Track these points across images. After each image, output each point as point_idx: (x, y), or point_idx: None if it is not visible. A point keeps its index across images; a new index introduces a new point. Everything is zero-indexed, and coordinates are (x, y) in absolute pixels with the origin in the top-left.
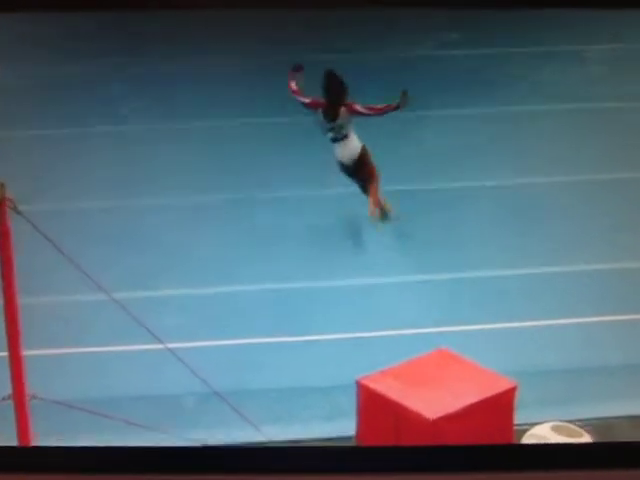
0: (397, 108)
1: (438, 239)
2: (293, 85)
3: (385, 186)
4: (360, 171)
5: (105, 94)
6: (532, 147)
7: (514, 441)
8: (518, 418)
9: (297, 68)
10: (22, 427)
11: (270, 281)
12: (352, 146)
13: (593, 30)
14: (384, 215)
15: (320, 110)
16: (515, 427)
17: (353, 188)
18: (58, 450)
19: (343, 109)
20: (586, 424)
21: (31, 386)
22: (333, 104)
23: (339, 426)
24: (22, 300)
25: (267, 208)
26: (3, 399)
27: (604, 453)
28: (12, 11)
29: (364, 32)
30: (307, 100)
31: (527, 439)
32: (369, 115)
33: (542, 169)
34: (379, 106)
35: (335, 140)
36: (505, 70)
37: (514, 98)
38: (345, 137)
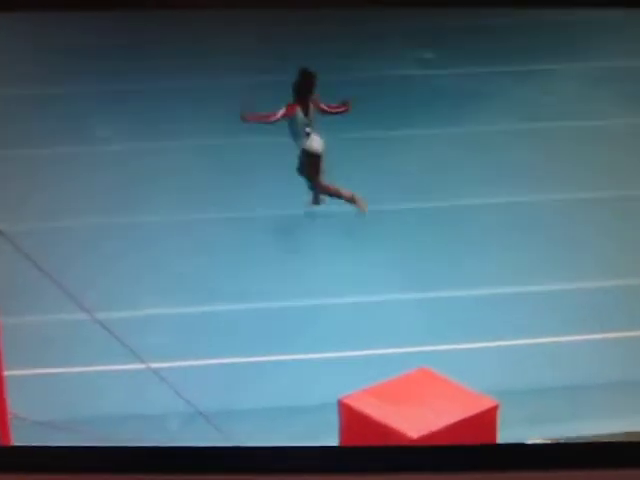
0: (345, 111)
1: (420, 257)
2: (262, 114)
3: (368, 205)
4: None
5: (88, 112)
6: (516, 165)
7: None
8: (504, 437)
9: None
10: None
11: (253, 300)
12: (320, 137)
13: (567, 49)
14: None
15: (297, 110)
16: None
17: (341, 207)
18: (58, 450)
19: (311, 104)
20: (574, 441)
21: (13, 406)
22: (305, 99)
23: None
24: (4, 320)
25: (251, 226)
26: None
27: (603, 452)
28: (12, 10)
29: (337, 51)
30: (282, 111)
31: None
32: (328, 113)
33: (528, 187)
34: (336, 107)
35: (309, 133)
36: (482, 89)
37: (493, 117)
38: (315, 129)
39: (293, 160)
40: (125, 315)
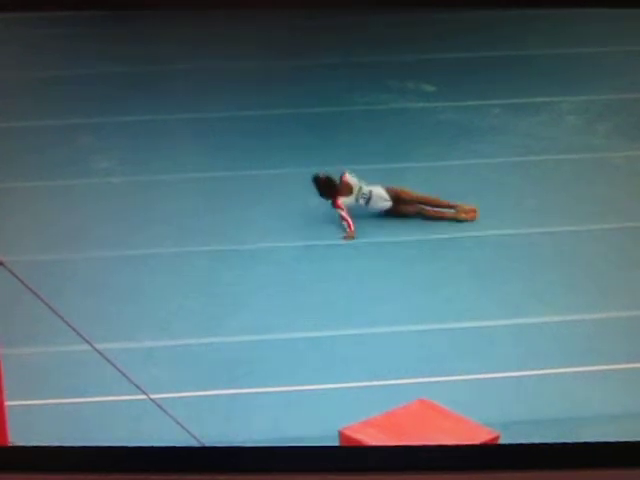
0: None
1: (419, 289)
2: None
3: (366, 238)
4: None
5: (87, 146)
6: (514, 197)
7: None
8: None
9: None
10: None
11: (252, 332)
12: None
13: (566, 82)
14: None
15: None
16: None
17: (325, 240)
18: (57, 449)
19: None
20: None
21: (13, 437)
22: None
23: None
24: (4, 351)
25: (251, 260)
26: None
27: (603, 452)
28: (12, 10)
29: (337, 84)
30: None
31: None
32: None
33: (527, 219)
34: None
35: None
36: (481, 122)
37: (492, 150)
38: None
39: (293, 191)
40: (126, 346)
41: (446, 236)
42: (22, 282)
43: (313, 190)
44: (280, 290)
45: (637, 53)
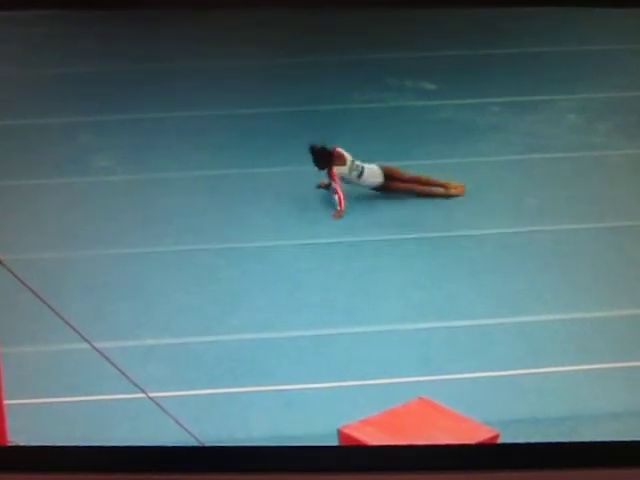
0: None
1: (419, 287)
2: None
3: (365, 236)
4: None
5: (88, 144)
6: (515, 196)
7: None
8: None
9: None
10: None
11: (251, 331)
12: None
13: (567, 80)
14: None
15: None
16: None
17: (325, 238)
18: (57, 449)
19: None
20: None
21: (12, 435)
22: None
23: None
24: (4, 350)
25: (250, 258)
26: None
27: (603, 452)
28: (12, 9)
29: (336, 82)
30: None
31: None
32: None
33: (528, 217)
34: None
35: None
36: (480, 120)
37: (492, 148)
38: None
39: (293, 189)
40: (126, 345)
41: (446, 234)
42: (21, 281)
43: (313, 188)
44: (280, 288)
45: (637, 51)
